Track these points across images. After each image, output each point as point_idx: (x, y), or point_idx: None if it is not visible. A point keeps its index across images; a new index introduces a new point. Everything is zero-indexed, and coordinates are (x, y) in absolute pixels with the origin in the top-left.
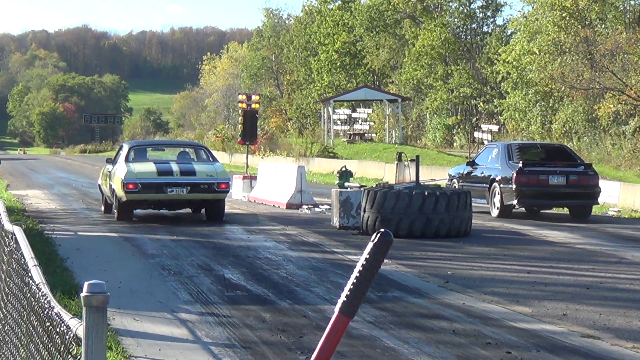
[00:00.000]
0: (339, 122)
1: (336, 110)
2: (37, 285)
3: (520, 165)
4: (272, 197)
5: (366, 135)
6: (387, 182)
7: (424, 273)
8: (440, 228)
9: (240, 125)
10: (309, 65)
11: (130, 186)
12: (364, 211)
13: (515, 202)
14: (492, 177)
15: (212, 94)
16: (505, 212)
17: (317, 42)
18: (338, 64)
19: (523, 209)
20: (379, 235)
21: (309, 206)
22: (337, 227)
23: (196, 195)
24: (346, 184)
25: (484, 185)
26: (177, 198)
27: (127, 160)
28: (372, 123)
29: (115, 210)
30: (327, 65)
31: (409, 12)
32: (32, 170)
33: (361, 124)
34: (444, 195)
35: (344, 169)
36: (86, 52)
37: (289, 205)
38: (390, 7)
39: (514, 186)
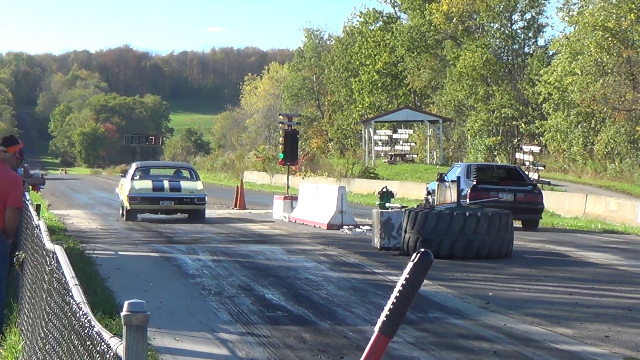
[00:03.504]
0: (380, 143)
1: (377, 131)
2: (77, 304)
3: (475, 183)
4: (313, 217)
5: (407, 156)
6: (428, 203)
7: (464, 294)
8: (481, 249)
9: (281, 146)
10: (350, 85)
11: (132, 199)
12: (405, 232)
13: None
14: (449, 193)
15: (252, 115)
16: None
17: (358, 62)
18: (379, 85)
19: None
20: (419, 255)
21: (350, 227)
22: (378, 247)
23: (180, 207)
24: (387, 204)
25: (444, 199)
26: (167, 208)
27: (132, 178)
28: (413, 144)
29: (124, 214)
30: (368, 85)
31: (450, 33)
32: (74, 190)
33: (402, 145)
34: (485, 216)
35: (385, 189)
36: (127, 72)
37: (330, 226)
38: (432, 27)
39: (467, 201)
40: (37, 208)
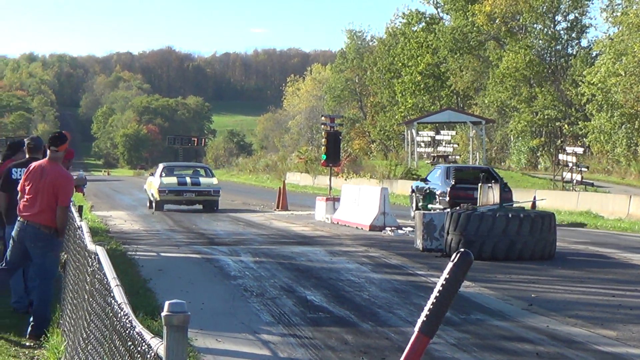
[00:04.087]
0: (422, 144)
1: (420, 132)
2: (119, 305)
3: (453, 182)
4: (355, 219)
5: (450, 157)
6: (470, 205)
7: (507, 296)
8: (524, 250)
9: (323, 147)
10: (392, 87)
11: (162, 192)
12: (448, 233)
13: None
14: (435, 190)
15: (295, 116)
16: None
17: (400, 64)
18: (422, 86)
19: None
20: (459, 255)
21: (392, 228)
22: (421, 249)
23: (200, 198)
24: (430, 205)
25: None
26: (189, 199)
27: (160, 175)
28: (455, 145)
29: (154, 205)
30: (411, 87)
31: (493, 34)
32: (116, 192)
33: (445, 146)
34: (528, 218)
35: (427, 191)
36: (170, 73)
37: (372, 227)
38: (474, 29)
39: (448, 198)
40: (80, 209)
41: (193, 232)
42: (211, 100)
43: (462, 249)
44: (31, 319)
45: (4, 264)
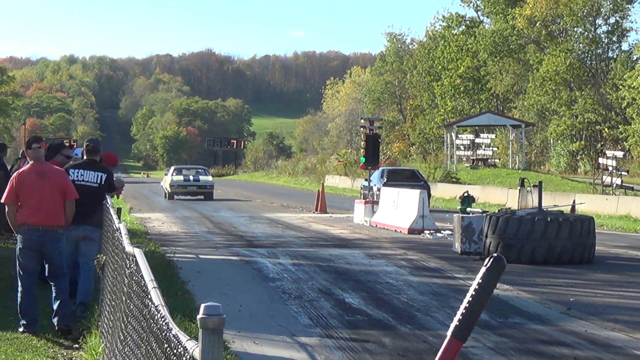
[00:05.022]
0: (462, 148)
1: (459, 136)
2: (156, 307)
3: (385, 181)
4: (394, 221)
5: (489, 160)
6: (509, 208)
7: (545, 299)
8: (562, 254)
9: (362, 150)
10: (432, 90)
11: (172, 186)
12: (486, 237)
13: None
14: (373, 188)
15: (334, 119)
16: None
17: (440, 67)
18: (461, 89)
19: None
20: (492, 259)
21: (431, 231)
22: (459, 252)
23: (199, 190)
24: (468, 209)
25: (371, 191)
26: (191, 191)
27: (172, 174)
28: (495, 148)
29: (167, 197)
30: (451, 90)
31: (533, 38)
32: (155, 194)
33: (484, 150)
34: (567, 222)
35: (466, 194)
36: (210, 76)
37: (411, 230)
38: (515, 32)
39: (379, 192)
40: (118, 211)
41: (232, 235)
42: (251, 102)
43: (495, 254)
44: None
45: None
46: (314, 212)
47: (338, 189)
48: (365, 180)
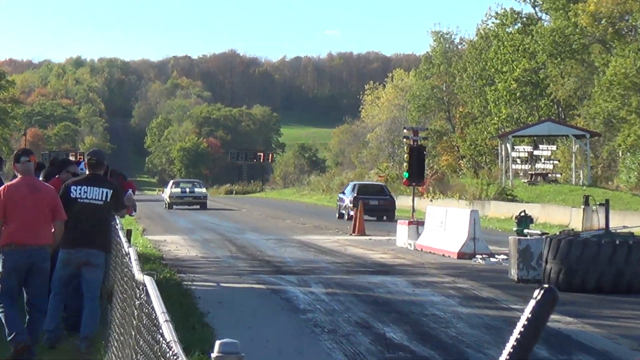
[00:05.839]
0: (518, 161)
1: (515, 147)
2: (167, 343)
3: (355, 195)
4: (442, 245)
5: (550, 175)
6: (572, 229)
7: (614, 334)
8: (633, 282)
9: (405, 164)
10: (484, 95)
11: (171, 197)
12: (546, 262)
13: (352, 213)
14: (345, 200)
15: (374, 128)
16: (350, 218)
17: (493, 69)
18: (518, 95)
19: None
20: (542, 291)
21: (483, 256)
22: (515, 280)
23: (194, 200)
24: (526, 230)
25: (344, 204)
26: (188, 201)
27: (171, 187)
28: (556, 162)
29: (167, 207)
30: (505, 95)
31: (599, 37)
32: (171, 213)
33: (544, 163)
34: (638, 245)
35: (523, 213)
36: (233, 80)
37: (461, 255)
38: (577, 30)
39: (351, 204)
40: (128, 234)
41: (257, 260)
42: (280, 110)
43: (545, 285)
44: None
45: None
46: (351, 234)
47: None
48: (341, 193)
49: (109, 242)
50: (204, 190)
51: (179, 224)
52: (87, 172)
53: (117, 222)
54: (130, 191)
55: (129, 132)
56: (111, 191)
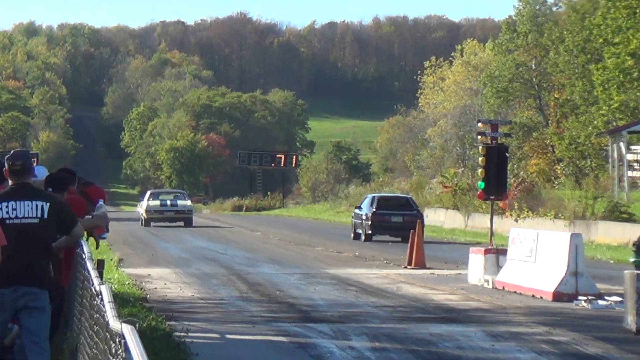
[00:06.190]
0: (636, 165)
1: (632, 147)
2: None
3: (374, 209)
4: (531, 282)
5: None
6: None
7: None
8: None
9: (480, 170)
10: (588, 76)
11: (148, 212)
12: None
13: (370, 232)
14: (363, 216)
15: (437, 121)
16: (368, 239)
17: (601, 40)
18: (635, 75)
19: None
20: None
21: (589, 297)
22: (634, 331)
23: (177, 215)
24: None
25: (360, 221)
26: (169, 216)
27: (148, 199)
28: None
29: (143, 224)
30: (618, 76)
31: None
32: (158, 237)
33: None
34: None
35: None
36: (243, 54)
37: (557, 296)
38: None
39: (369, 222)
40: (99, 265)
41: (277, 302)
42: (307, 96)
43: None
44: None
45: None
46: (405, 267)
47: (443, 230)
48: (357, 208)
49: (47, 277)
50: (188, 202)
51: (168, 252)
52: (11, 183)
53: (85, 249)
54: (101, 202)
55: (100, 127)
56: (48, 204)
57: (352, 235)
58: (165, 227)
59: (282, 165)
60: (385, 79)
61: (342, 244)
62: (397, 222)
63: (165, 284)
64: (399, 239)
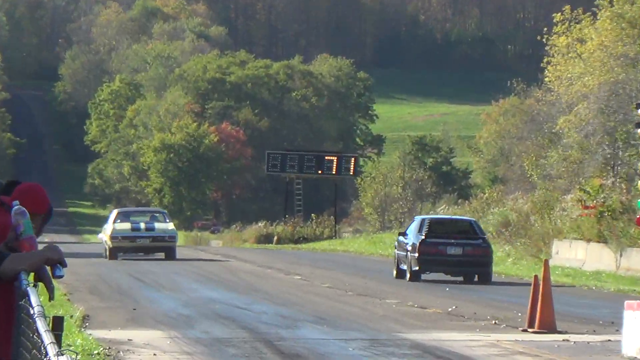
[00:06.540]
0: None
1: None
2: None
3: (423, 237)
4: None
5: None
6: None
7: None
8: None
9: None
10: None
11: (114, 238)
12: None
13: (417, 268)
14: (408, 246)
15: (574, 105)
16: (415, 277)
17: None
18: None
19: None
20: None
21: None
22: None
23: (154, 244)
24: None
25: (405, 253)
26: (143, 245)
27: (114, 221)
28: None
29: (107, 256)
30: None
31: None
32: (142, 283)
33: None
34: None
35: None
36: (274, 3)
37: None
38: None
39: (417, 254)
40: (56, 325)
41: None
42: (372, 67)
43: None
44: None
45: None
46: (524, 330)
47: (583, 273)
48: (401, 234)
49: None
50: (170, 226)
51: (158, 306)
52: None
53: (33, 300)
54: (16, 204)
55: (52, 112)
56: None
57: (395, 272)
58: (138, 260)
59: (333, 172)
60: (493, 42)
61: (447, 296)
62: (455, 254)
63: (154, 354)
64: (460, 279)
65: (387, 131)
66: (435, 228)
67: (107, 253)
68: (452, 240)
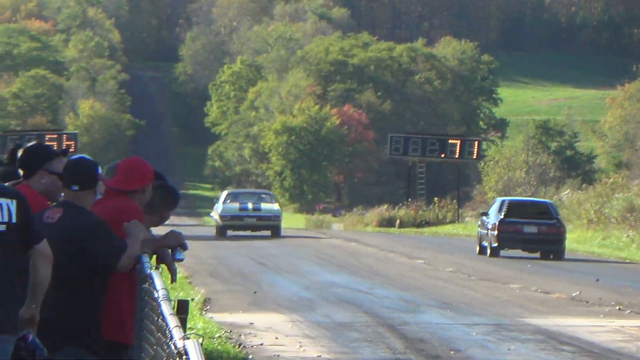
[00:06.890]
0: None
1: None
2: None
3: (502, 217)
4: None
5: None
6: None
7: None
8: None
9: None
10: None
11: (223, 217)
12: None
13: (496, 245)
14: (489, 225)
15: None
16: (494, 254)
17: None
18: None
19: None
20: None
21: None
22: None
23: (261, 223)
24: None
25: (486, 231)
26: (250, 223)
27: (224, 202)
28: None
29: (217, 232)
30: None
31: None
32: (264, 266)
33: None
34: None
35: None
36: None
37: None
38: None
39: (496, 232)
40: (181, 308)
41: None
42: (496, 50)
43: None
44: None
45: None
46: None
47: None
48: (483, 214)
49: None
50: (275, 206)
51: (279, 289)
52: None
53: (156, 283)
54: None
55: (172, 94)
56: (15, 201)
57: (478, 249)
58: (247, 238)
59: (456, 156)
60: (620, 26)
61: (568, 280)
62: (530, 233)
63: (276, 338)
64: (537, 256)
65: (511, 115)
66: (514, 209)
67: (217, 230)
68: (529, 220)
